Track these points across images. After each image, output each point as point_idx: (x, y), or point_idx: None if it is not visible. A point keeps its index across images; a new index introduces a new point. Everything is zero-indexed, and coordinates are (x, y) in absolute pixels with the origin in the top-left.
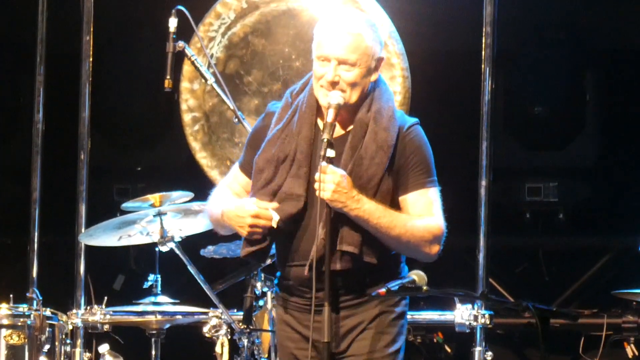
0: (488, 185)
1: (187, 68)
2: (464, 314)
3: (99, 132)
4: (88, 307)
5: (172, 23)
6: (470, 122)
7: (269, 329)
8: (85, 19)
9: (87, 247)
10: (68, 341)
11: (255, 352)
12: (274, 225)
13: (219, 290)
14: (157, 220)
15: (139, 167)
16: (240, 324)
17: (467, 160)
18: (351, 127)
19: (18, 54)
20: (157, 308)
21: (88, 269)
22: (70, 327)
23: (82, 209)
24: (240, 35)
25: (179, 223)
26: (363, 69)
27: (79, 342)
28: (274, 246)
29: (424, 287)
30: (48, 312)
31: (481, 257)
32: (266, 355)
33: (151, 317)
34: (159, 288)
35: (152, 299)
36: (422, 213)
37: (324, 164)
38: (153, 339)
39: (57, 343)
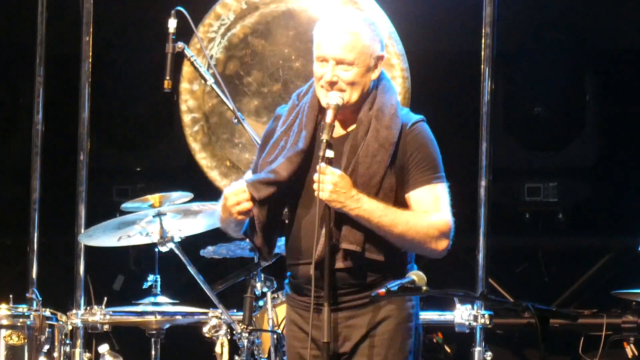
0: (488, 186)
1: (186, 69)
2: (464, 314)
3: (98, 132)
4: (88, 308)
5: (172, 24)
6: (470, 122)
7: (269, 329)
8: (85, 19)
9: (87, 247)
10: (68, 341)
11: (255, 352)
12: (251, 195)
13: (219, 290)
14: (157, 221)
15: (138, 168)
16: (240, 324)
17: (466, 160)
18: (353, 126)
19: (18, 54)
20: (157, 308)
21: (88, 269)
22: (70, 327)
23: (82, 210)
24: (240, 36)
25: (179, 223)
26: (361, 68)
27: (79, 342)
28: (281, 247)
29: (424, 288)
30: (48, 312)
31: (481, 257)
32: (266, 355)
33: (151, 318)
34: (159, 288)
35: (152, 299)
36: (429, 209)
37: (322, 164)
38: (153, 339)
39: (56, 343)
